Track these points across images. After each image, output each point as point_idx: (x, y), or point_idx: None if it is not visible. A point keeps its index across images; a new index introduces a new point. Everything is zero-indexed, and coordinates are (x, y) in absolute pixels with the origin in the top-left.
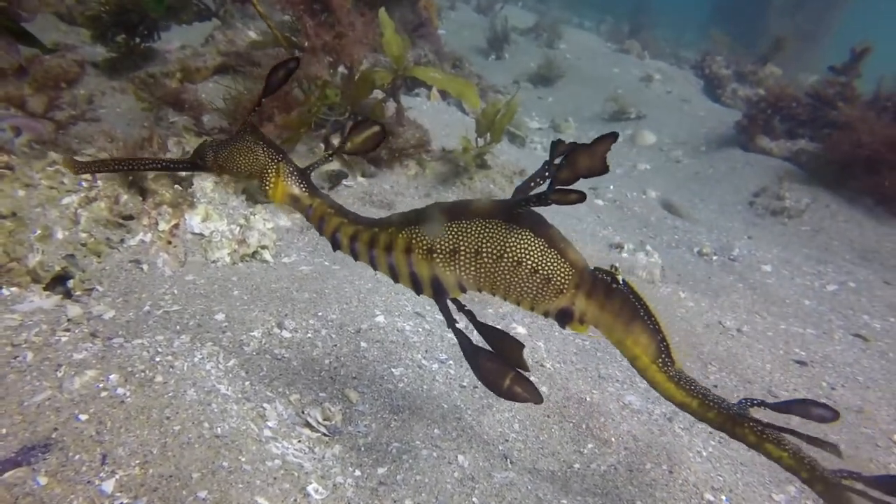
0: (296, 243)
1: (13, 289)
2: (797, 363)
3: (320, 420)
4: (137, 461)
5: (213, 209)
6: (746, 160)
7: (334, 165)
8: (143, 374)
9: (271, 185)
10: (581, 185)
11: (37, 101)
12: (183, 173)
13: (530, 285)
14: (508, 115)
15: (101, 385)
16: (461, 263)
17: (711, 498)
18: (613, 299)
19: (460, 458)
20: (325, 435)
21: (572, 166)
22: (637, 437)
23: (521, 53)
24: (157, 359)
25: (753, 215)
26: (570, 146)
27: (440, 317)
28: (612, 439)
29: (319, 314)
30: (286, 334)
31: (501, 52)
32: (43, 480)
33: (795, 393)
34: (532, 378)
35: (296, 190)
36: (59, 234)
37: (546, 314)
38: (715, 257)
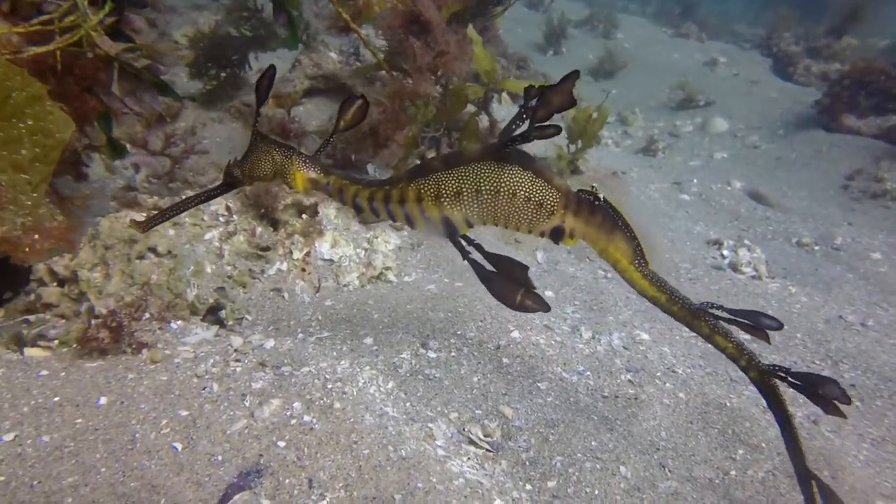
0: (410, 261)
1: (179, 322)
2: None
3: (482, 437)
4: (340, 484)
5: (340, 235)
6: (832, 141)
7: None
8: (322, 401)
9: (292, 178)
10: (664, 181)
11: (156, 140)
12: (306, 200)
13: (526, 212)
14: (600, 120)
15: (288, 413)
16: (465, 202)
17: None
18: (596, 214)
19: (622, 469)
20: (488, 451)
21: (547, 105)
22: None
23: (579, 46)
24: (329, 386)
25: (849, 199)
26: (541, 89)
27: (566, 328)
28: (763, 444)
29: (458, 333)
30: (432, 354)
31: (559, 47)
32: (266, 503)
33: None
34: (667, 384)
35: (313, 174)
36: (209, 269)
37: (542, 234)
38: (817, 247)
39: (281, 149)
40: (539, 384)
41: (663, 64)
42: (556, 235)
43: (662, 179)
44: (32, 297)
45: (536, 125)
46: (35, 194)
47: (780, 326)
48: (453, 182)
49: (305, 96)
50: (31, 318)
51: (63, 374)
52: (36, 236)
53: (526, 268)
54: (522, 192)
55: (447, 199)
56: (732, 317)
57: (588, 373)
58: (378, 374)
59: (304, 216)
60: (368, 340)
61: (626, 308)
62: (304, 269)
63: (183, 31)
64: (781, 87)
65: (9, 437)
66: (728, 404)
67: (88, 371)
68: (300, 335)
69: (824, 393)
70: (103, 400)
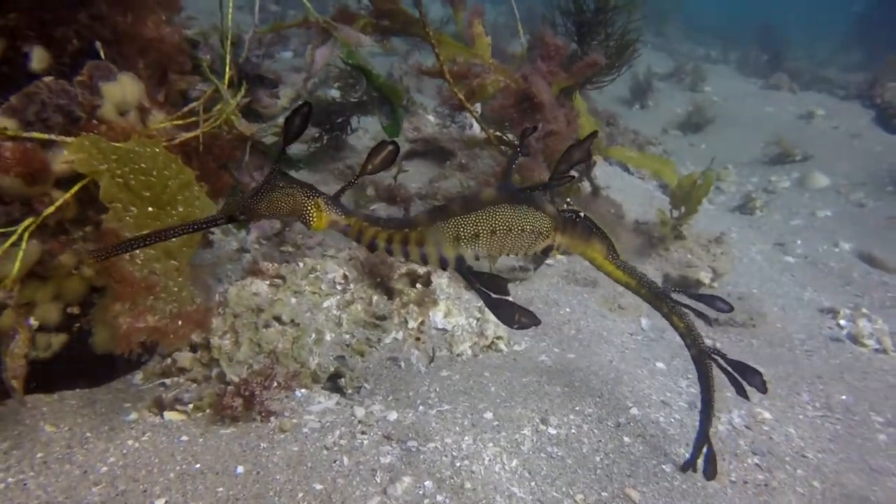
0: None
1: (303, 390)
2: None
3: None
4: None
5: (453, 304)
6: None
7: None
8: (451, 480)
9: (314, 219)
10: (765, 242)
11: None
12: (419, 270)
13: (529, 241)
14: (705, 186)
15: (420, 492)
16: (481, 243)
17: None
18: (577, 227)
19: None
20: None
21: (569, 159)
22: None
23: (666, 99)
24: (457, 464)
25: None
26: (566, 147)
27: (683, 403)
28: None
29: (577, 409)
30: (552, 431)
31: (645, 101)
32: None
33: None
34: (798, 471)
35: (334, 216)
36: (328, 337)
37: (535, 253)
38: None
39: (304, 189)
40: (664, 466)
41: (755, 117)
42: (547, 251)
43: (764, 240)
44: (168, 360)
45: (559, 176)
46: (180, 279)
47: (730, 309)
48: (472, 226)
49: (406, 159)
50: (168, 381)
51: (201, 440)
52: (180, 322)
53: (506, 281)
54: (528, 227)
55: (465, 241)
56: (692, 301)
57: None
58: (501, 451)
59: (417, 285)
60: (489, 415)
61: None
62: (418, 339)
63: (286, 93)
64: (887, 141)
65: (160, 502)
66: (873, 498)
67: (223, 438)
68: (420, 407)
69: (747, 380)
70: (240, 469)
